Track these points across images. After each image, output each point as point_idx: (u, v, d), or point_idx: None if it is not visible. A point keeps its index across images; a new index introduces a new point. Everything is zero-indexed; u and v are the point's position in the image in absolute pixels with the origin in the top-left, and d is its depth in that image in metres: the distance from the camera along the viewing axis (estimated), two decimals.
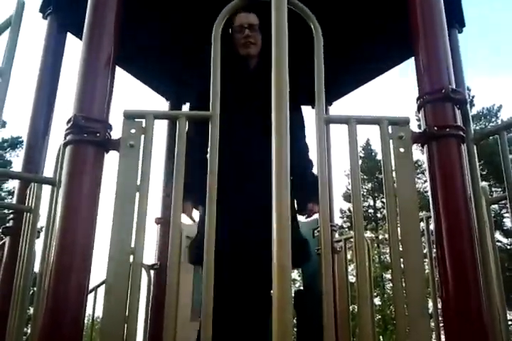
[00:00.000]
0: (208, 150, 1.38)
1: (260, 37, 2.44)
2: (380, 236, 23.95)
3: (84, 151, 1.52)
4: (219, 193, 1.32)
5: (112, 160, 1.55)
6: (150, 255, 3.55)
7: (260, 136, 1.94)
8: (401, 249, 1.43)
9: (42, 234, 1.92)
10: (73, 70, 1.75)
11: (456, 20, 2.84)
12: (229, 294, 2.07)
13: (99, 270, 1.56)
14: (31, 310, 1.93)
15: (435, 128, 1.56)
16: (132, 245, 1.39)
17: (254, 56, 2.45)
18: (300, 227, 2.51)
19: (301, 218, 2.66)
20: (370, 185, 26.47)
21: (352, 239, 3.44)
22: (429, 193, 1.59)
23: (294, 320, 2.81)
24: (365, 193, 25.98)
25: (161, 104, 4.00)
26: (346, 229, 23.09)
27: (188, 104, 3.96)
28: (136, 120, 1.48)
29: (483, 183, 1.98)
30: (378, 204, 26.06)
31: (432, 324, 2.88)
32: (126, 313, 1.36)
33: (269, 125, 1.23)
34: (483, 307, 1.43)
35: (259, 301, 2.11)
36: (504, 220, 20.62)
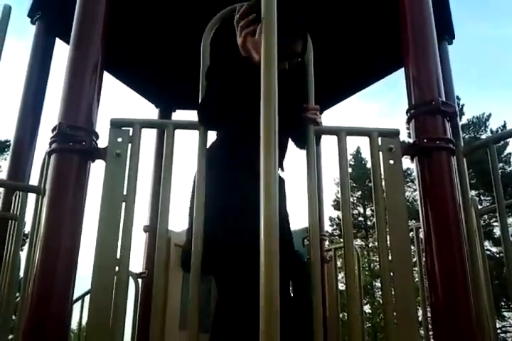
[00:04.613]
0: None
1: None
2: (370, 244, 23.96)
3: (69, 160, 1.49)
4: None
5: (98, 168, 1.53)
6: (138, 263, 3.50)
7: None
8: (390, 257, 1.42)
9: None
10: (61, 76, 1.72)
11: (446, 32, 2.87)
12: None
13: (85, 278, 1.53)
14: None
15: (425, 140, 1.55)
16: (118, 254, 1.37)
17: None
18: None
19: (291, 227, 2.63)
20: (359, 193, 26.48)
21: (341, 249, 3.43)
22: (419, 204, 1.58)
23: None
24: (354, 201, 26.00)
25: (151, 111, 3.99)
26: (336, 237, 23.10)
27: (177, 111, 3.95)
28: (123, 128, 1.47)
29: (472, 192, 1.99)
30: (368, 212, 26.07)
31: (422, 332, 2.87)
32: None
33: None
34: (473, 315, 1.42)
35: None
36: (494, 230, 20.67)
